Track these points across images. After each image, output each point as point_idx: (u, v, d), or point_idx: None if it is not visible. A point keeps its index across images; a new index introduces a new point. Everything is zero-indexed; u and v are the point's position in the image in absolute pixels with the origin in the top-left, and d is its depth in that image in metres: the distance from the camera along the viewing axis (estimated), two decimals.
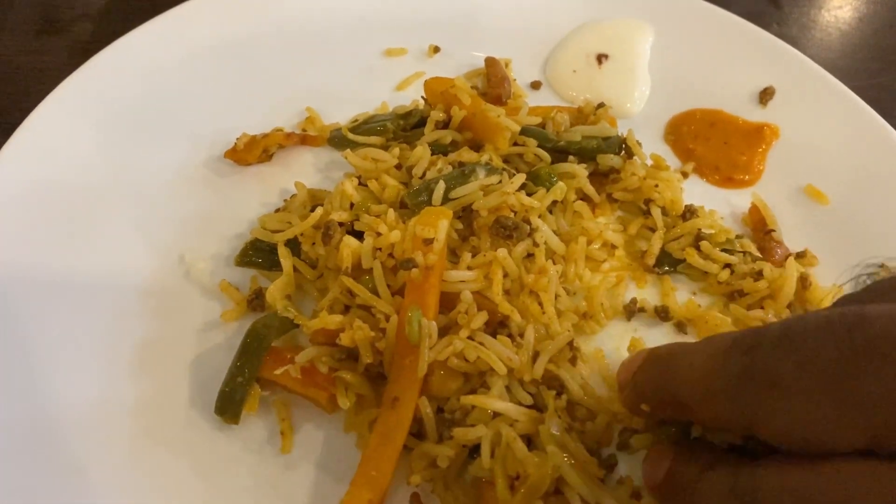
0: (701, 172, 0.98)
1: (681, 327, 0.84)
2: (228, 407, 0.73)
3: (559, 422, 0.70)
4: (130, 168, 0.88)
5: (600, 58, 1.03)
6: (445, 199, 0.80)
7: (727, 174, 0.97)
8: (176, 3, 1.02)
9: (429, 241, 0.75)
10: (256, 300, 0.80)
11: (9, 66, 1.08)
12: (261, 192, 0.90)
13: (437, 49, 1.07)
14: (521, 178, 0.82)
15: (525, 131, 0.90)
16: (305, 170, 0.94)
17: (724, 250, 0.87)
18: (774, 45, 1.05)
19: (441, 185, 0.80)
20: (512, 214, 0.81)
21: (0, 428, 0.69)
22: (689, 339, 0.83)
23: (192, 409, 0.74)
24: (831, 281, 0.87)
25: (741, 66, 1.04)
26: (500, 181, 0.81)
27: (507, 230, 0.78)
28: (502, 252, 0.77)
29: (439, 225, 0.75)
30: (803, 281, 0.84)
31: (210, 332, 0.79)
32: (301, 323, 0.76)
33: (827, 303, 0.85)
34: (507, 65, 1.06)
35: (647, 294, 0.87)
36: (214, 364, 0.76)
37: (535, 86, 1.05)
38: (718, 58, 1.05)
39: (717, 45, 1.06)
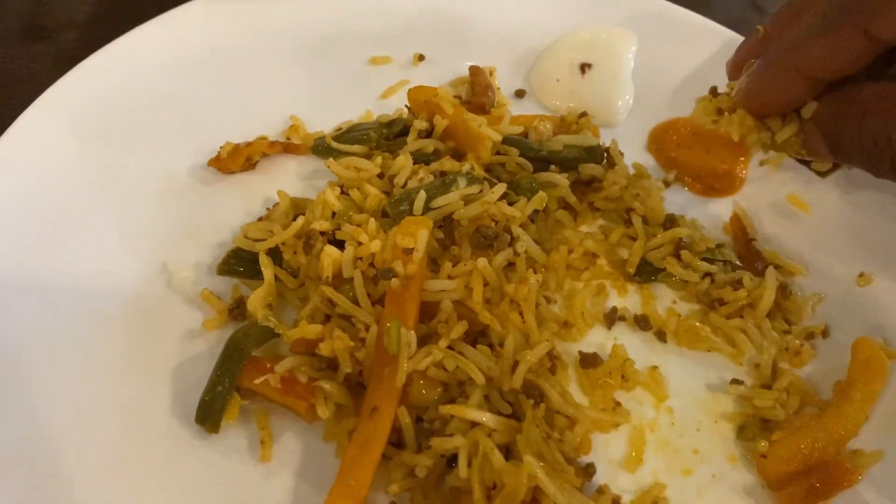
0: (683, 181, 0.98)
1: (661, 336, 0.84)
2: (208, 416, 0.73)
3: (537, 431, 0.70)
4: (114, 176, 0.89)
5: (584, 67, 1.03)
6: (426, 209, 0.80)
7: (708, 183, 0.98)
8: (157, 10, 1.02)
9: (409, 251, 0.75)
10: (237, 309, 0.81)
11: None
12: (244, 201, 0.91)
13: (421, 57, 1.07)
14: (501, 188, 0.82)
15: (507, 140, 0.90)
16: (289, 178, 0.94)
17: (704, 259, 0.87)
18: None
19: (422, 195, 0.80)
20: (493, 224, 0.81)
21: None
22: (669, 347, 0.84)
23: (172, 418, 0.74)
24: (812, 290, 0.88)
25: (724, 74, 1.04)
26: (482, 191, 0.82)
27: (488, 239, 0.79)
28: (482, 261, 0.77)
29: (419, 235, 0.75)
30: (783, 290, 0.85)
31: (192, 341, 0.79)
32: (281, 332, 0.76)
33: (807, 313, 0.85)
34: (491, 73, 1.06)
35: (628, 302, 0.87)
36: (196, 373, 0.76)
37: (520, 94, 1.06)
38: (702, 66, 1.06)
39: (700, 54, 1.06)
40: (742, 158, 0.99)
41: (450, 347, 0.73)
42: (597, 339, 0.84)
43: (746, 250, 0.90)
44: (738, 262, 0.88)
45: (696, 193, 0.98)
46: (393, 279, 0.73)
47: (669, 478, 0.75)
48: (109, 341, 0.78)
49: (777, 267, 0.87)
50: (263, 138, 0.95)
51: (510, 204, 0.83)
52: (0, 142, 0.86)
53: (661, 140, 1.02)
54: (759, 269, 0.87)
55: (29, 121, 0.89)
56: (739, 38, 1.06)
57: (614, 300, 0.87)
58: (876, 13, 0.64)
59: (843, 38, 0.67)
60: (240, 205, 0.90)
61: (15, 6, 1.15)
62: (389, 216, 0.82)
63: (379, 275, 0.75)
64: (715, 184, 0.98)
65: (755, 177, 0.98)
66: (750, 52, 0.80)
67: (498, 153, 0.90)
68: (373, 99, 1.03)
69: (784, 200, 0.96)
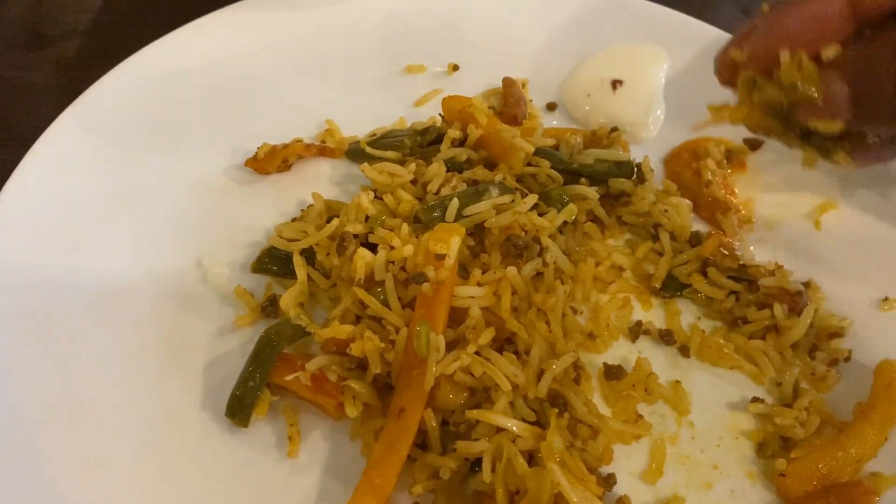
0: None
1: (684, 351, 0.85)
2: (239, 410, 0.75)
3: (560, 439, 0.72)
4: (152, 175, 0.91)
5: (615, 83, 1.04)
6: (458, 216, 0.82)
7: (711, 212, 0.96)
8: (158, 18, 1.04)
9: (441, 257, 0.77)
10: (270, 307, 0.82)
11: None
12: (278, 201, 0.93)
13: (455, 67, 1.09)
14: (533, 199, 0.84)
15: (539, 152, 0.92)
16: (322, 181, 0.96)
17: (731, 277, 0.88)
18: None
19: (455, 203, 0.82)
20: (523, 233, 0.83)
21: (23, 423, 0.71)
22: (692, 362, 0.85)
23: (203, 411, 0.76)
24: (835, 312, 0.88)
25: None
26: (513, 200, 0.83)
27: (518, 249, 0.80)
28: (512, 270, 0.79)
29: (452, 241, 0.77)
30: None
31: (224, 337, 0.81)
32: (313, 331, 0.78)
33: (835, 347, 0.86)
34: (523, 85, 1.08)
35: (652, 317, 0.88)
36: (227, 368, 0.78)
37: (551, 107, 1.07)
38: None
39: None
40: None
41: (477, 353, 0.75)
42: (621, 352, 0.85)
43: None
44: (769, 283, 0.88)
45: (701, 218, 0.96)
46: (424, 283, 0.75)
47: (689, 491, 0.76)
48: (144, 336, 0.80)
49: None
50: (299, 141, 0.97)
51: (540, 215, 0.85)
52: (39, 143, 0.88)
53: (677, 159, 1.03)
54: (798, 302, 0.87)
55: (64, 124, 0.91)
56: None
57: (639, 314, 0.88)
58: None
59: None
60: (274, 205, 0.92)
61: (16, 15, 1.17)
62: (422, 222, 0.83)
63: (411, 279, 0.77)
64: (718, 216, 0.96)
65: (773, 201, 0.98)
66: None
67: (529, 164, 0.91)
68: (407, 106, 1.05)
69: (800, 221, 0.96)
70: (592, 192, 0.89)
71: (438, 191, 0.86)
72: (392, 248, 0.80)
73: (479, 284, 0.79)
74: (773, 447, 0.79)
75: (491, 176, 0.88)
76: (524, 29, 1.12)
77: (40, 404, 0.74)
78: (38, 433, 0.72)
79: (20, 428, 0.72)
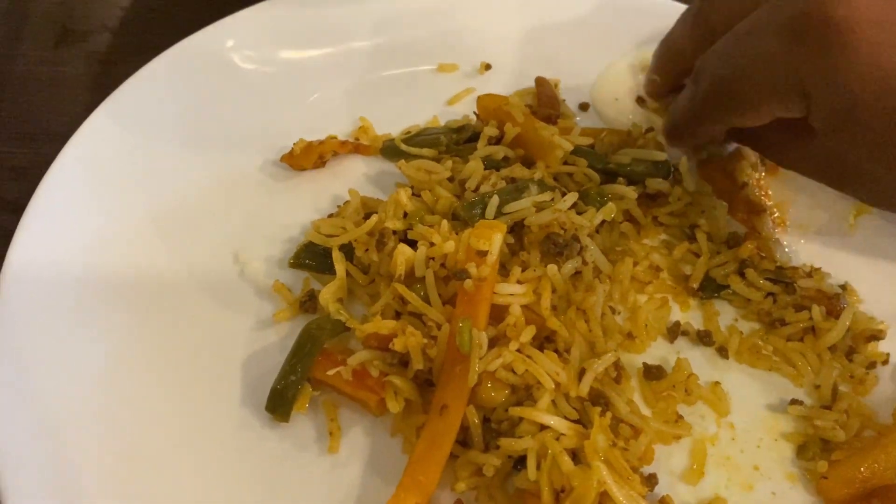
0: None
1: (722, 352, 0.85)
2: (279, 405, 0.74)
3: (604, 438, 0.71)
4: (187, 171, 0.91)
5: (640, 100, 1.04)
6: (498, 214, 0.82)
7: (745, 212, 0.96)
8: (186, 14, 1.04)
9: (483, 254, 0.76)
10: (309, 302, 0.82)
11: (27, 77, 1.08)
12: (314, 197, 0.92)
13: (488, 66, 1.09)
14: (573, 197, 0.83)
15: (576, 151, 0.91)
16: (357, 177, 0.96)
17: (768, 279, 0.88)
18: None
19: (495, 200, 0.82)
20: (562, 231, 0.82)
21: (63, 418, 0.71)
22: (731, 363, 0.84)
23: (243, 407, 0.76)
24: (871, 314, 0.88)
25: None
26: (553, 199, 0.83)
27: (558, 247, 0.80)
28: (552, 268, 0.78)
29: (494, 238, 0.76)
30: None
31: (263, 332, 0.81)
32: (353, 326, 0.77)
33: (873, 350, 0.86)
34: (556, 85, 1.07)
35: (690, 317, 0.88)
36: (267, 363, 0.77)
37: (584, 107, 1.07)
38: None
39: None
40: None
41: (518, 351, 0.74)
42: (659, 352, 0.84)
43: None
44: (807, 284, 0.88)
45: (738, 221, 0.96)
46: (466, 280, 0.75)
47: (730, 492, 0.75)
48: (184, 331, 0.80)
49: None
50: (333, 137, 0.97)
51: (578, 213, 0.84)
52: (74, 138, 0.88)
53: (710, 164, 1.02)
54: (835, 306, 0.86)
55: (102, 117, 0.91)
56: None
57: (676, 314, 0.88)
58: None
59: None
60: (310, 201, 0.92)
61: (44, 10, 1.17)
62: (460, 219, 0.83)
63: (452, 275, 0.76)
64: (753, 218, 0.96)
65: (807, 203, 0.98)
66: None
67: (566, 163, 0.91)
68: (439, 105, 1.05)
69: (835, 224, 0.96)
70: (630, 192, 0.89)
71: (477, 188, 0.86)
72: (432, 244, 0.79)
73: (518, 282, 0.78)
74: (813, 449, 0.78)
75: (529, 174, 0.88)
76: (556, 29, 1.12)
77: (80, 399, 0.73)
78: (77, 428, 0.71)
79: (59, 422, 0.71)
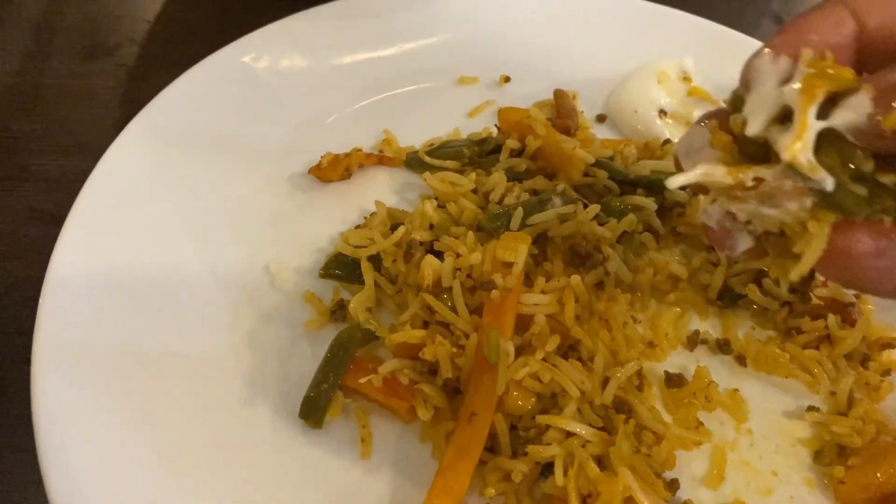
0: None
1: (740, 360, 0.87)
2: (313, 412, 0.76)
3: (629, 444, 0.73)
4: (219, 182, 0.93)
5: (661, 112, 1.06)
6: (522, 225, 0.84)
7: None
8: (212, 26, 1.06)
9: (509, 265, 0.79)
10: (339, 311, 0.84)
11: (58, 91, 1.10)
12: (341, 209, 0.95)
13: (507, 79, 1.11)
14: (595, 209, 0.86)
15: (596, 163, 0.94)
16: (382, 189, 0.98)
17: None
18: None
19: (519, 212, 0.84)
20: (584, 242, 0.85)
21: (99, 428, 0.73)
22: (748, 371, 0.86)
23: (277, 414, 0.78)
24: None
25: None
26: (575, 210, 0.85)
27: (581, 258, 0.82)
28: (576, 279, 0.81)
29: (519, 249, 0.79)
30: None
31: (294, 341, 0.83)
32: (383, 335, 0.80)
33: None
34: (574, 97, 1.10)
35: (709, 326, 0.90)
36: (299, 371, 0.80)
37: (601, 119, 1.09)
38: None
39: None
40: None
41: (544, 360, 0.77)
42: (679, 360, 0.87)
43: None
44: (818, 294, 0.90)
45: None
46: (493, 290, 0.77)
47: (749, 497, 0.77)
48: (220, 341, 0.82)
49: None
50: (359, 150, 0.99)
51: (600, 224, 0.87)
52: (108, 153, 0.90)
53: None
54: (851, 313, 0.88)
55: (135, 131, 0.92)
56: None
57: (695, 323, 0.90)
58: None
59: None
60: (337, 212, 0.94)
61: (73, 24, 1.19)
62: (485, 230, 0.85)
63: (479, 286, 0.79)
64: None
65: None
66: None
67: (586, 175, 0.93)
68: (460, 117, 1.07)
69: None
70: (650, 203, 0.91)
71: (501, 200, 0.88)
72: (458, 255, 0.82)
73: (543, 292, 0.81)
74: (830, 455, 0.81)
75: (551, 186, 0.90)
76: (574, 40, 1.15)
77: (120, 410, 0.75)
78: (113, 438, 0.73)
79: (95, 431, 0.73)
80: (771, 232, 0.52)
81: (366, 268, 0.85)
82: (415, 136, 1.03)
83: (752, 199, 0.51)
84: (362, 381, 0.77)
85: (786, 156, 0.48)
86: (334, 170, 0.95)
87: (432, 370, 0.78)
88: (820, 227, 0.48)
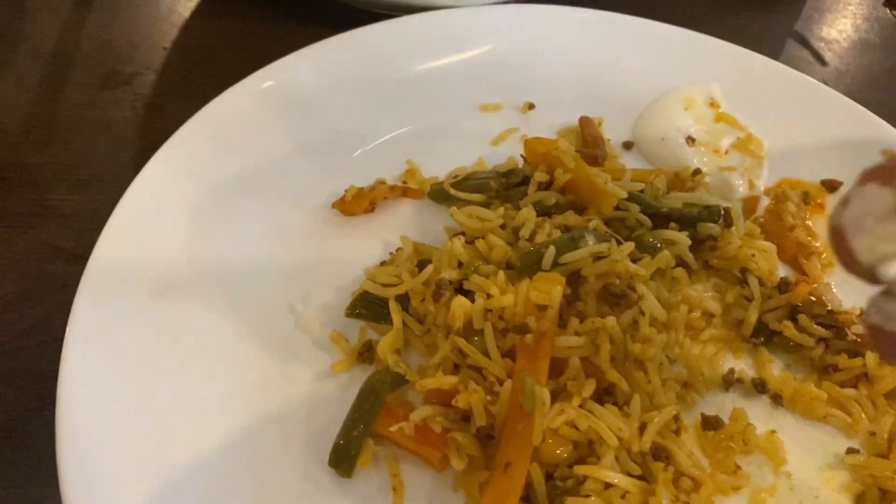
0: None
1: (777, 400, 0.85)
2: (343, 460, 0.74)
3: (668, 493, 0.71)
4: (241, 218, 0.91)
5: (689, 140, 1.04)
6: (555, 264, 0.82)
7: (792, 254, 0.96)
8: (229, 54, 1.04)
9: (542, 307, 0.77)
10: (366, 353, 0.83)
11: (74, 121, 1.08)
12: (365, 243, 0.93)
13: (531, 106, 1.09)
14: (629, 247, 0.83)
15: (627, 196, 0.91)
16: (407, 222, 0.96)
17: (819, 324, 0.88)
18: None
19: (551, 250, 0.82)
20: (618, 281, 0.82)
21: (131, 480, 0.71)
22: (785, 412, 0.84)
23: (304, 461, 0.76)
24: None
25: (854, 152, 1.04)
26: (610, 248, 0.83)
27: (616, 298, 0.80)
28: (611, 320, 0.79)
29: (553, 291, 0.77)
30: None
31: (321, 383, 0.81)
32: (413, 380, 0.78)
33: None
34: (599, 124, 1.08)
35: (743, 364, 0.88)
36: (327, 415, 0.78)
37: (628, 146, 1.07)
38: (829, 142, 1.06)
39: (826, 128, 1.07)
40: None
41: (580, 406, 0.75)
42: (715, 401, 0.85)
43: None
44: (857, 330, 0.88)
45: (787, 264, 0.97)
46: (527, 335, 0.75)
47: None
48: (244, 384, 0.80)
49: None
50: (382, 182, 0.97)
51: (633, 261, 0.85)
52: (131, 189, 0.87)
53: (754, 204, 1.03)
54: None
55: (157, 166, 0.90)
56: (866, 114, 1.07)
57: (729, 361, 0.88)
58: None
59: None
60: (362, 247, 0.92)
61: (88, 53, 1.17)
62: (515, 268, 0.83)
63: (512, 329, 0.77)
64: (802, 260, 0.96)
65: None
66: None
67: (618, 208, 0.91)
68: (484, 145, 1.05)
69: None
70: (683, 238, 0.89)
71: (531, 236, 0.86)
72: (489, 295, 0.80)
73: (577, 334, 0.79)
74: (872, 499, 0.79)
75: (583, 222, 0.88)
76: (598, 66, 1.13)
77: (145, 457, 0.73)
78: (138, 486, 0.72)
79: (120, 476, 0.71)
80: None
81: (394, 308, 0.83)
82: (439, 166, 1.01)
83: None
84: (393, 428, 0.75)
85: None
86: (358, 203, 0.93)
87: (465, 417, 0.76)
88: None
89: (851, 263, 0.45)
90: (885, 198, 0.42)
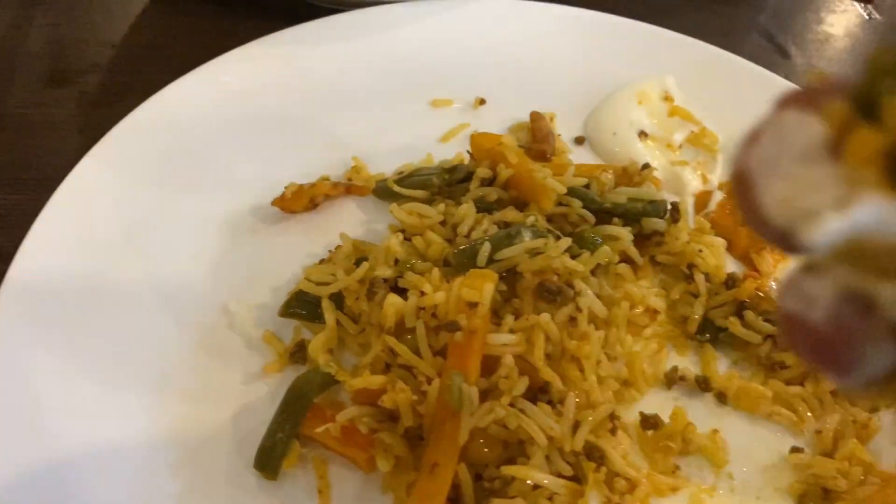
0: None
1: (721, 398, 0.83)
2: (268, 463, 0.73)
3: (598, 494, 0.70)
4: (178, 216, 0.89)
5: (642, 134, 1.03)
6: (490, 261, 0.80)
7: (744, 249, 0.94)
8: (179, 51, 1.02)
9: (473, 305, 0.75)
10: (298, 353, 0.81)
11: (19, 120, 1.05)
12: (305, 242, 0.91)
13: (482, 101, 1.07)
14: (566, 242, 0.82)
15: (570, 191, 0.90)
16: (349, 219, 0.94)
17: (767, 320, 0.86)
18: None
19: (486, 247, 0.80)
20: (555, 277, 0.81)
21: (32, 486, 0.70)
22: (730, 410, 0.83)
23: (232, 463, 0.74)
24: None
25: None
26: (546, 244, 0.82)
27: (552, 294, 0.78)
28: (545, 317, 0.77)
29: (485, 289, 0.75)
30: None
31: (253, 384, 0.80)
32: (343, 380, 0.76)
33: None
34: (551, 119, 1.06)
35: (688, 362, 0.86)
36: (257, 417, 0.76)
37: (579, 141, 1.06)
38: None
39: None
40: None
41: (511, 405, 0.73)
42: (656, 400, 0.83)
43: None
44: None
45: (737, 259, 0.95)
46: (457, 332, 0.73)
47: None
48: (172, 385, 0.78)
49: None
50: (326, 179, 0.95)
51: (573, 257, 0.83)
52: (62, 186, 0.86)
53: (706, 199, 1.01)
54: None
55: (90, 163, 0.89)
56: None
57: (674, 359, 0.86)
58: None
59: None
60: (301, 246, 0.91)
61: (35, 50, 1.15)
62: (452, 265, 0.82)
63: (443, 327, 0.75)
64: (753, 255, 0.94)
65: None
66: None
67: (560, 204, 0.89)
68: (433, 141, 1.03)
69: None
70: (626, 233, 0.87)
71: (469, 233, 0.85)
72: (423, 293, 0.78)
73: (511, 331, 0.77)
74: (814, 499, 0.77)
75: (522, 218, 0.86)
76: (551, 61, 1.11)
77: (70, 453, 0.72)
78: (62, 483, 0.70)
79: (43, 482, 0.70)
80: None
81: (327, 306, 0.81)
82: (386, 162, 1.00)
83: None
84: (319, 430, 0.73)
85: None
86: (298, 201, 0.91)
87: (394, 417, 0.75)
88: None
89: (758, 222, 0.30)
90: (807, 129, 0.28)
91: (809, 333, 0.27)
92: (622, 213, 0.90)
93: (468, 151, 0.98)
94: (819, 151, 0.26)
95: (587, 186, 0.93)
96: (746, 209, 0.31)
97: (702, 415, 0.82)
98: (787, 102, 0.30)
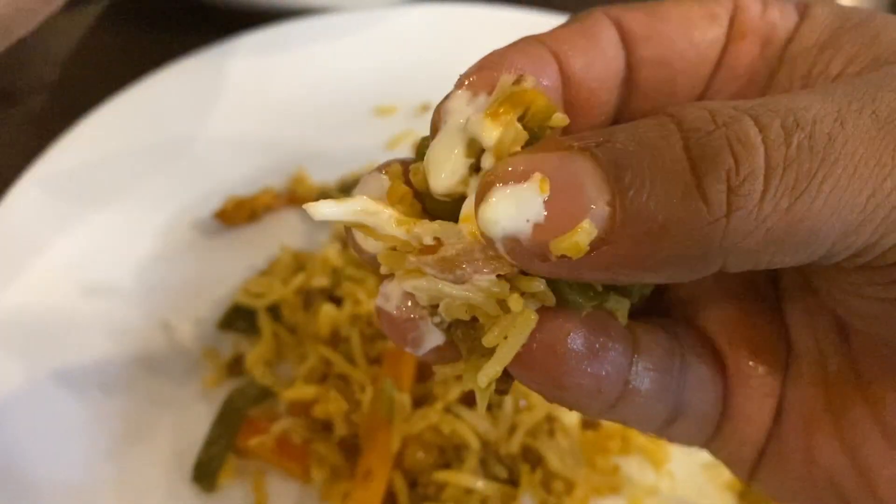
0: None
1: None
2: (205, 475, 0.73)
3: (534, 496, 0.70)
4: (117, 232, 0.89)
5: None
6: None
7: None
8: (127, 70, 1.02)
9: None
10: (236, 366, 0.81)
11: None
12: (247, 254, 0.91)
13: (426, 107, 1.07)
14: None
15: None
16: (293, 231, 0.94)
17: None
18: None
19: None
20: None
21: None
22: None
23: (171, 477, 0.75)
24: None
25: None
26: None
27: None
28: None
29: None
30: None
31: (193, 399, 0.80)
32: (277, 391, 0.76)
33: None
34: None
35: None
36: (197, 431, 0.76)
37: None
38: None
39: None
40: None
41: (446, 409, 0.73)
42: None
43: None
44: None
45: None
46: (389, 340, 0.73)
47: None
48: (111, 403, 0.78)
49: None
50: (268, 190, 0.95)
51: None
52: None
53: None
54: None
55: (27, 184, 0.88)
56: None
57: None
58: None
59: None
60: (243, 258, 0.90)
61: None
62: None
63: (377, 335, 0.75)
64: None
65: None
66: None
67: None
68: (379, 148, 1.03)
69: None
70: None
71: None
72: (358, 302, 0.78)
73: None
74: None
75: None
76: None
77: (4, 471, 0.72)
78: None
79: None
80: (461, 321, 0.33)
81: (263, 319, 0.81)
82: (330, 171, 0.99)
83: (432, 271, 0.33)
84: (253, 442, 0.73)
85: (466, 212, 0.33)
86: (239, 213, 0.91)
87: (328, 427, 0.75)
88: (522, 307, 0.32)
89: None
90: (382, 184, 0.36)
91: (388, 319, 0.35)
92: None
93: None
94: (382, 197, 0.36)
95: None
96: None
97: None
98: (386, 164, 0.38)
